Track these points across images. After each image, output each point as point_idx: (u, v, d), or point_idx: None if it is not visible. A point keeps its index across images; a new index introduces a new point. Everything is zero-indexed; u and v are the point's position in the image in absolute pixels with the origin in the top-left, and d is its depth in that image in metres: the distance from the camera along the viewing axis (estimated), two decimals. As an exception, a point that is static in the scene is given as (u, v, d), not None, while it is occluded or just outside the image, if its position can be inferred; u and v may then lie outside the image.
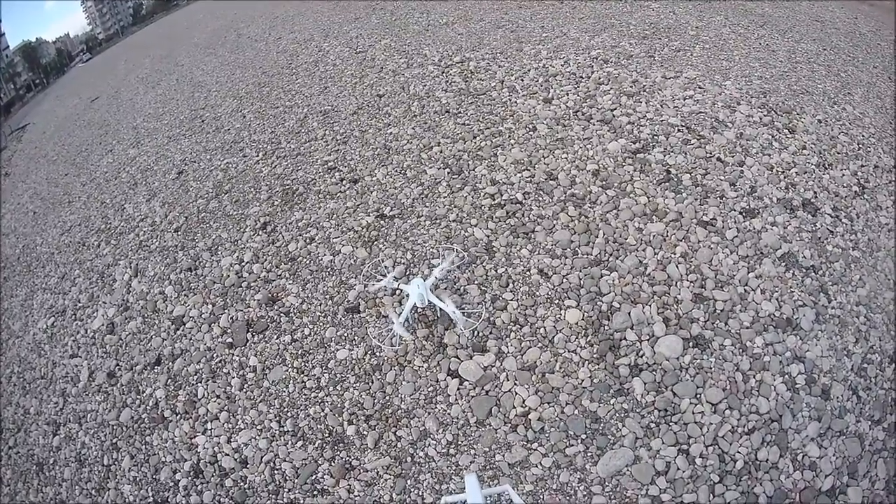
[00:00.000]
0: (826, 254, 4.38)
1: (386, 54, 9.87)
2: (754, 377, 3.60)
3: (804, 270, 4.20)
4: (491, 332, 4.00)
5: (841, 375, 3.67)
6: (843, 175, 5.26)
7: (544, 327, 3.97)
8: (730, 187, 4.91)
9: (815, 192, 4.96)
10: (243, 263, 5.44)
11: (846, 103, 6.74)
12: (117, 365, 5.16)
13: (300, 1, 21.30)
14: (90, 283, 6.58)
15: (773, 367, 3.63)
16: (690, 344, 3.74)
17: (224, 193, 6.82)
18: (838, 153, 5.59)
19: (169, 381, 4.71)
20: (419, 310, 4.11)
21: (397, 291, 4.41)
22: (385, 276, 4.40)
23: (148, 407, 4.64)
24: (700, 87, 6.69)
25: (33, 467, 4.88)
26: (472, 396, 3.74)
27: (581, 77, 7.18)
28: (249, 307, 4.92)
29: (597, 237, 4.54)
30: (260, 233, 5.75)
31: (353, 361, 4.11)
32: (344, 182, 6.02)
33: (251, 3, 28.10)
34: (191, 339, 4.95)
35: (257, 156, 7.43)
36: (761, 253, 4.30)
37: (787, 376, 3.61)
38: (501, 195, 5.17)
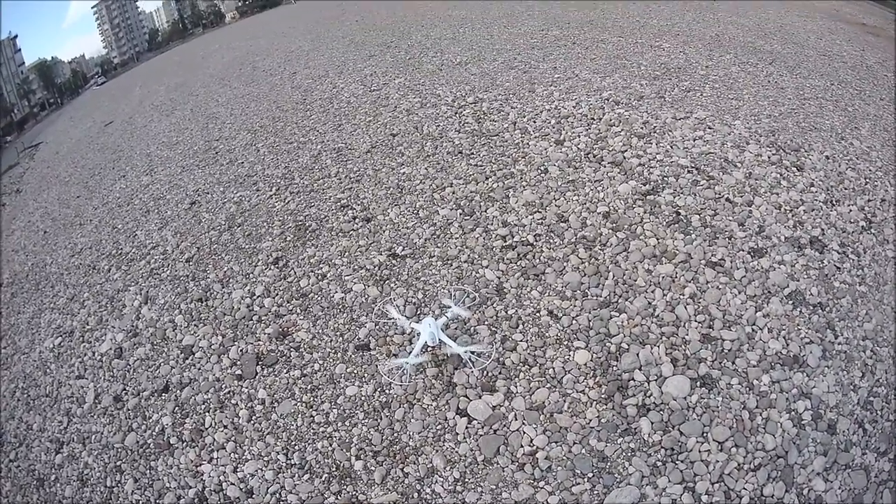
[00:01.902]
0: (833, 290, 4.53)
1: (400, 93, 10.19)
2: (761, 415, 3.71)
3: (811, 308, 4.35)
4: (500, 373, 4.13)
5: (847, 410, 3.79)
6: (851, 211, 5.47)
7: (553, 368, 4.11)
8: (738, 227, 5.10)
9: (822, 229, 5.15)
10: (254, 297, 5.60)
11: (853, 138, 6.99)
12: (124, 389, 5.28)
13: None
14: (99, 307, 6.73)
15: (779, 404, 3.75)
16: (698, 383, 3.87)
17: (237, 226, 7.02)
18: (846, 189, 5.81)
19: (176, 408, 4.82)
20: (430, 349, 4.27)
21: (408, 331, 4.56)
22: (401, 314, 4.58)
23: (154, 433, 4.75)
24: (710, 128, 6.95)
25: (34, 482, 4.95)
26: (481, 435, 3.86)
27: (592, 119, 7.45)
28: (259, 340, 5.06)
29: (606, 279, 4.70)
30: (272, 267, 5.92)
31: (363, 398, 4.24)
32: (357, 220, 6.23)
33: (267, 38, 28.86)
34: (200, 368, 5.08)
35: (271, 190, 7.64)
36: (769, 292, 4.45)
37: (793, 413, 3.72)
38: (513, 237, 5.36)
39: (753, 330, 4.16)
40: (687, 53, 10.73)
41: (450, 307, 4.40)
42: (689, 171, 5.92)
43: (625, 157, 6.33)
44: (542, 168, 6.38)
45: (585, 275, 4.78)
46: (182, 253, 6.98)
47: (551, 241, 5.22)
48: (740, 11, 16.80)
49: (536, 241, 5.25)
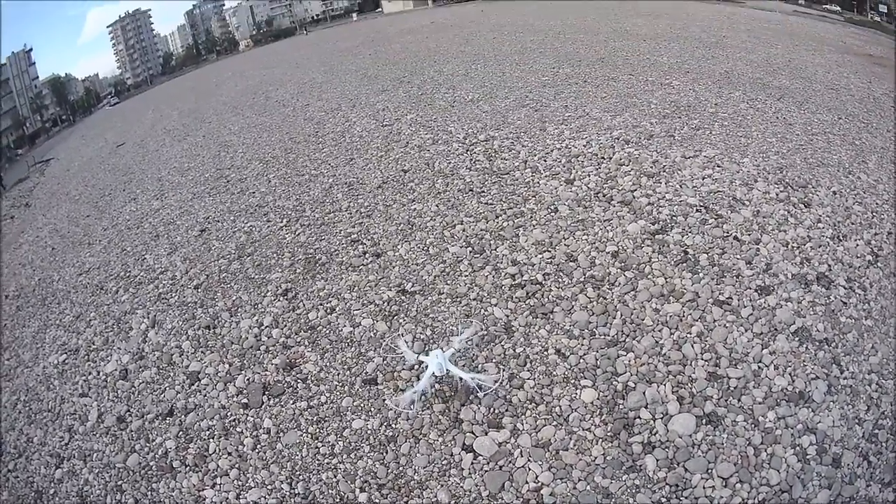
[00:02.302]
0: (839, 325, 4.61)
1: (412, 129, 10.44)
2: (766, 450, 3.76)
3: (817, 343, 4.43)
4: (507, 410, 4.21)
5: (852, 443, 3.84)
6: (857, 245, 5.59)
7: (560, 406, 4.19)
8: (746, 266, 5.21)
9: (829, 265, 5.26)
10: (262, 327, 5.71)
11: (860, 171, 7.17)
12: (128, 411, 5.34)
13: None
14: (105, 328, 6.83)
15: (784, 439, 3.80)
16: (703, 421, 3.94)
17: (246, 256, 7.16)
18: (852, 223, 5.95)
19: (180, 433, 4.88)
20: (438, 380, 4.40)
21: (417, 366, 4.68)
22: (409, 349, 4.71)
23: (157, 455, 4.80)
24: (718, 166, 7.12)
25: (31, 494, 4.99)
26: (486, 471, 3.93)
27: (603, 158, 7.63)
28: (267, 371, 5.16)
29: (614, 318, 4.80)
30: (281, 299, 6.03)
31: (369, 431, 4.32)
32: (367, 255, 6.36)
33: (280, 68, 29.43)
34: (205, 395, 5.16)
35: (281, 222, 7.81)
36: (775, 329, 4.54)
37: (798, 448, 3.78)
38: (522, 275, 5.48)
39: (760, 367, 4.24)
40: (696, 91, 11.02)
41: (455, 336, 4.54)
42: (697, 210, 6.08)
43: (634, 197, 6.49)
44: (551, 207, 6.53)
45: (593, 314, 4.88)
46: (191, 279, 7.10)
47: (560, 280, 5.34)
48: (749, 47, 17.38)
49: (545, 280, 5.37)
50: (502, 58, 17.38)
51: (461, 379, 4.24)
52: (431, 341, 4.91)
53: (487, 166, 7.98)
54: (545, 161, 7.83)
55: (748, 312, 4.69)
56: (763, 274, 5.11)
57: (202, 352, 5.68)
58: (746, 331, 4.53)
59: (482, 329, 4.90)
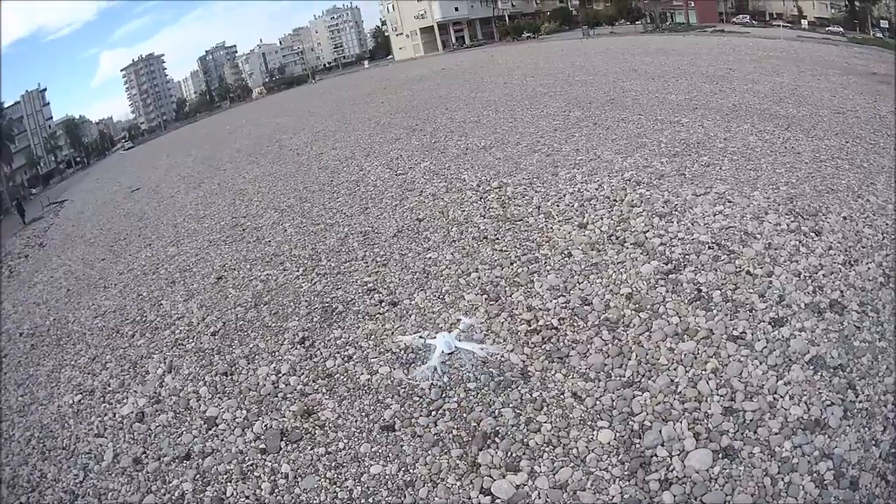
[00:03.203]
0: (853, 350, 4.71)
1: (426, 177, 10.79)
2: (783, 479, 3.84)
3: (832, 370, 4.52)
4: (524, 453, 4.33)
5: (869, 465, 3.89)
6: (869, 269, 5.74)
7: (577, 448, 4.29)
8: (759, 299, 5.35)
9: (841, 291, 5.39)
10: (280, 374, 5.88)
11: (870, 194, 7.41)
12: (144, 453, 5.47)
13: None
14: (122, 371, 7.05)
15: (801, 467, 3.88)
16: (720, 455, 4.02)
17: (263, 304, 7.39)
18: (863, 247, 6.12)
19: (197, 476, 5.00)
20: (448, 358, 4.85)
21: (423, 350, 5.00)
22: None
23: (173, 497, 4.90)
24: (729, 201, 7.37)
25: None
26: (504, 513, 4.03)
27: (615, 200, 7.91)
28: (284, 417, 5.30)
29: (629, 359, 4.94)
30: (298, 347, 6.23)
31: (387, 477, 4.43)
32: (383, 304, 6.56)
33: (294, 116, 30.16)
34: (223, 440, 5.30)
35: (298, 271, 8.07)
36: (790, 360, 4.65)
37: (815, 474, 3.84)
38: (537, 321, 5.64)
39: (775, 398, 4.34)
40: (706, 127, 11.38)
41: (460, 320, 4.71)
42: (709, 248, 6.27)
43: (647, 238, 6.71)
44: (565, 252, 6.74)
45: (609, 356, 5.02)
46: (207, 326, 7.32)
47: (575, 324, 5.49)
48: (755, 78, 18.07)
49: (561, 324, 5.53)
50: (513, 103, 17.92)
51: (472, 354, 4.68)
52: (449, 388, 5.05)
53: (501, 213, 8.24)
54: (558, 206, 8.09)
55: (762, 345, 4.81)
56: (776, 306, 5.25)
57: (219, 397, 5.84)
58: (761, 363, 4.64)
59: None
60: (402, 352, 5.61)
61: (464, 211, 8.60)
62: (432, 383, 4.86)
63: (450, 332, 4.64)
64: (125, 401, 6.35)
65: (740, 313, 5.20)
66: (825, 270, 5.70)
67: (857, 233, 6.43)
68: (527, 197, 8.64)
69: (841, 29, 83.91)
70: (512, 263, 6.74)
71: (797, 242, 6.23)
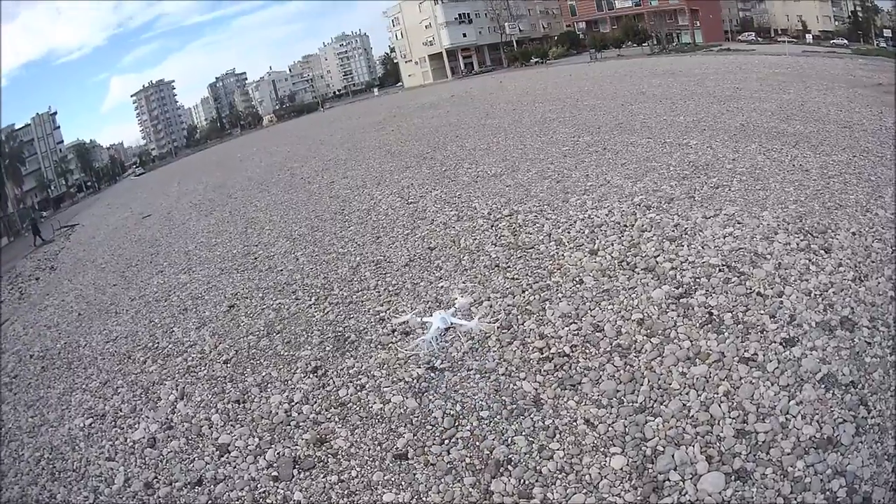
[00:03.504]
0: (865, 366, 4.73)
1: (437, 206, 10.95)
2: (795, 499, 3.86)
3: (844, 387, 4.55)
4: (537, 481, 4.37)
5: (882, 479, 3.91)
6: (879, 283, 5.79)
7: (590, 474, 4.33)
8: (770, 320, 5.40)
9: (852, 308, 5.44)
10: (293, 403, 5.96)
11: (878, 207, 7.52)
12: (156, 478, 5.54)
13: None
14: (133, 396, 7.16)
15: (814, 486, 3.90)
16: (732, 477, 4.05)
17: (276, 333, 7.49)
18: (873, 262, 6.19)
19: (209, 502, 5.06)
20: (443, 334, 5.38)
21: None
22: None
23: (185, 522, 4.98)
24: (739, 223, 7.47)
25: None
26: (517, 540, 4.06)
27: (625, 226, 8.03)
28: (297, 445, 5.37)
29: (642, 385, 4.99)
30: (311, 376, 6.30)
31: (400, 505, 4.51)
32: (396, 333, 6.63)
33: (305, 144, 30.57)
34: (235, 467, 5.36)
35: (310, 300, 8.17)
36: (801, 379, 4.68)
37: (828, 492, 3.86)
38: (549, 348, 5.70)
39: (787, 419, 4.37)
40: (714, 148, 11.55)
41: (456, 299, 4.85)
42: (720, 270, 6.35)
43: (657, 262, 6.80)
44: (577, 279, 6.82)
45: (621, 382, 5.07)
46: (220, 354, 7.43)
47: (587, 350, 5.55)
48: (762, 96, 18.38)
49: (573, 351, 5.59)
50: (523, 129, 18.21)
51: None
52: (462, 416, 5.11)
53: (512, 241, 8.35)
54: (569, 233, 8.21)
55: (774, 366, 4.85)
56: (787, 326, 5.30)
57: (232, 425, 5.92)
58: (773, 384, 4.69)
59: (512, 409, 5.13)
60: (415, 381, 5.68)
61: (475, 239, 8.71)
62: (430, 356, 5.36)
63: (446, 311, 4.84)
64: (137, 426, 6.45)
65: (751, 335, 5.26)
66: (835, 288, 5.78)
67: (866, 248, 6.53)
68: (538, 224, 8.76)
69: (845, 41, 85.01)
70: (524, 291, 6.82)
71: (807, 261, 6.32)
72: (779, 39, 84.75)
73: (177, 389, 6.92)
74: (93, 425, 6.81)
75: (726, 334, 5.33)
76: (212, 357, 7.43)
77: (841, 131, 12.27)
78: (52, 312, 13.19)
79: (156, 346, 8.45)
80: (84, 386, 8.01)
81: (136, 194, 45.40)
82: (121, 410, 6.92)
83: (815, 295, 5.69)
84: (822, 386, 4.61)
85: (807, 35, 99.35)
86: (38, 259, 25.56)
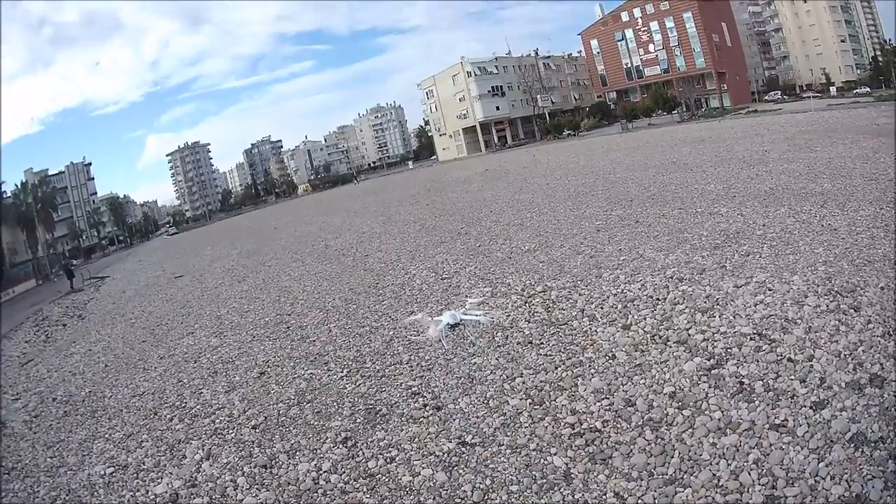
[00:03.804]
0: (893, 421, 4.66)
1: (471, 282, 11.11)
2: None
3: (872, 444, 4.49)
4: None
5: None
6: None
7: None
8: (800, 384, 5.39)
9: (881, 364, 5.40)
10: (321, 472, 5.99)
11: None
12: (179, 532, 5.58)
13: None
14: (158, 451, 7.28)
15: None
16: None
17: (306, 402, 7.58)
18: None
19: (231, 561, 5.11)
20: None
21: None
22: None
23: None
24: (769, 289, 7.52)
25: None
26: None
27: (658, 299, 8.11)
28: (324, 513, 5.40)
29: (672, 457, 4.96)
30: (340, 446, 6.34)
31: (429, 574, 4.49)
32: (427, 408, 6.69)
33: (339, 216, 31.29)
34: (259, 530, 5.38)
35: (342, 371, 8.27)
36: (831, 440, 4.63)
37: None
38: (581, 424, 5.70)
39: (816, 481, 4.32)
40: (744, 215, 11.74)
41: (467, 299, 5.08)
42: (751, 339, 6.36)
43: (689, 335, 6.83)
44: (609, 354, 6.85)
45: (651, 455, 5.05)
46: (248, 419, 7.51)
47: (619, 425, 5.54)
48: (790, 157, 18.93)
49: (604, 426, 5.58)
50: (556, 204, 18.59)
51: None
52: (491, 490, 5.09)
53: (546, 317, 8.42)
54: (602, 308, 8.28)
55: (804, 430, 4.82)
56: (818, 389, 5.28)
57: (257, 489, 5.95)
58: (802, 448, 4.65)
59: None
60: (446, 455, 5.71)
61: (509, 316, 8.76)
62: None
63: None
64: (160, 480, 6.54)
65: (782, 401, 5.25)
66: (864, 346, 5.77)
67: (894, 301, 6.53)
68: (571, 300, 8.86)
69: (867, 89, 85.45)
70: (556, 368, 6.87)
71: (837, 322, 6.33)
72: (804, 95, 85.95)
73: (203, 449, 7.00)
74: (114, 474, 6.94)
75: (757, 402, 5.33)
76: (240, 421, 7.51)
77: (867, 185, 12.55)
78: (79, 360, 13.58)
79: (183, 405, 8.59)
80: (107, 435, 8.18)
81: (169, 253, 46.70)
82: (144, 463, 7.03)
83: (845, 355, 5.70)
84: (852, 445, 4.58)
85: (831, 88, 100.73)
86: (66, 306, 26.36)
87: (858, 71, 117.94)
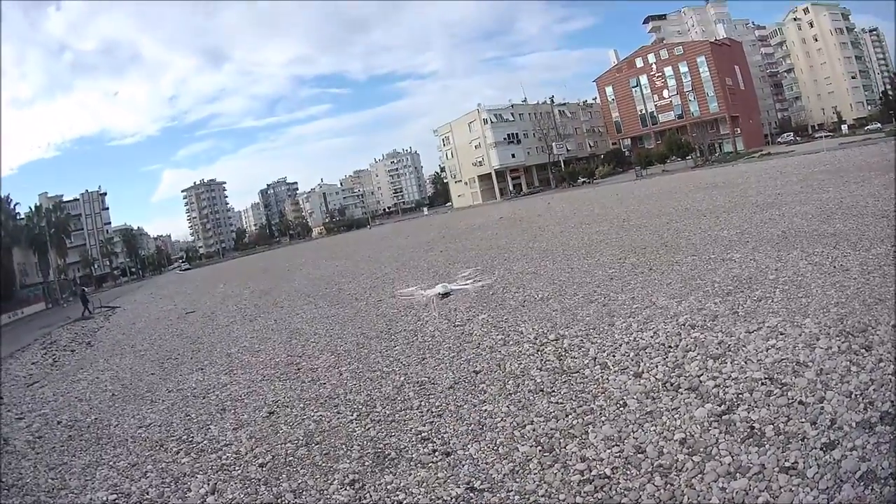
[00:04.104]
0: None
1: (483, 330, 11.14)
2: None
3: (882, 481, 4.45)
4: None
5: None
6: None
7: None
8: (811, 427, 5.34)
9: (892, 402, 5.36)
10: (328, 513, 5.98)
11: None
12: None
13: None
14: (162, 483, 7.30)
15: None
16: None
17: (314, 444, 7.57)
18: None
19: None
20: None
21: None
22: None
23: None
24: (781, 333, 7.51)
25: None
26: None
27: (670, 347, 8.09)
28: (330, 553, 5.40)
29: (681, 502, 4.92)
30: (347, 488, 6.33)
31: None
32: (436, 453, 6.67)
33: (353, 260, 31.57)
34: (262, 564, 5.38)
35: (351, 415, 8.27)
36: (841, 480, 4.58)
37: None
38: (590, 471, 5.66)
39: None
40: (757, 260, 11.81)
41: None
42: (762, 384, 6.34)
43: (701, 382, 6.81)
44: (620, 402, 6.84)
45: (661, 501, 5.01)
46: (256, 457, 7.51)
47: (628, 472, 5.50)
48: (802, 199, 19.11)
49: (614, 473, 5.54)
50: (570, 252, 18.72)
51: None
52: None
53: (558, 365, 8.43)
54: (614, 356, 8.28)
55: (814, 472, 4.78)
56: (828, 430, 5.25)
57: (262, 526, 5.92)
58: (812, 489, 4.61)
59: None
60: (454, 500, 5.69)
61: (521, 364, 8.81)
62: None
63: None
64: (164, 511, 6.56)
65: (792, 444, 5.22)
66: (875, 385, 5.76)
67: None
68: (583, 349, 8.86)
69: (878, 125, 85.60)
70: (567, 415, 6.85)
71: (848, 362, 6.32)
72: (816, 136, 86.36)
73: (208, 484, 7.00)
74: (117, 500, 6.98)
75: (767, 446, 5.30)
76: (247, 458, 7.51)
77: (878, 223, 12.70)
78: (86, 387, 13.77)
79: (190, 439, 8.62)
80: (111, 463, 8.24)
81: (181, 288, 47.12)
82: (148, 493, 7.06)
83: (856, 395, 5.68)
84: (862, 483, 4.55)
85: (842, 126, 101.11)
86: (75, 332, 26.63)
87: (869, 107, 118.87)
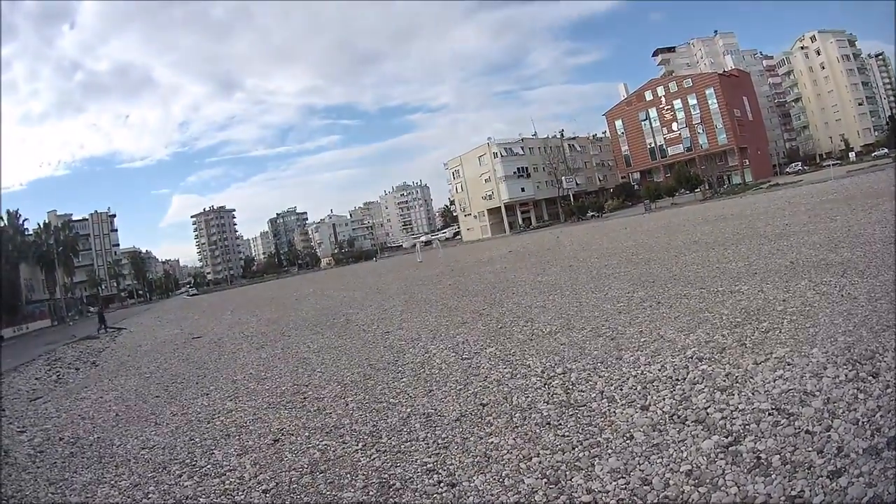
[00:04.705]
0: None
1: (491, 363, 11.14)
2: None
3: None
4: None
5: None
6: None
7: None
8: (818, 455, 5.31)
9: None
10: (330, 540, 5.99)
11: None
12: (183, 581, 5.60)
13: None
14: None
15: None
16: None
17: (319, 473, 7.54)
18: None
19: None
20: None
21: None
22: None
23: None
24: (789, 364, 7.51)
25: None
26: None
27: (677, 380, 8.08)
28: (330, 582, 5.39)
29: None
30: (352, 517, 6.32)
31: None
32: (441, 485, 6.65)
33: (361, 291, 31.68)
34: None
35: (357, 445, 8.24)
36: None
37: None
38: (596, 502, 5.63)
39: None
40: (765, 291, 11.86)
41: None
42: (769, 414, 6.32)
43: (708, 414, 6.79)
44: (627, 435, 6.81)
45: None
46: (259, 483, 7.50)
47: (634, 503, 5.48)
48: (810, 229, 19.29)
49: None
50: (578, 286, 18.74)
51: None
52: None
53: (565, 399, 8.42)
54: (621, 390, 8.27)
55: (820, 499, 4.75)
56: (835, 458, 5.22)
57: (264, 552, 5.91)
58: None
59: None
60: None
61: (528, 397, 8.79)
62: None
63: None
64: (164, 533, 6.56)
65: (799, 473, 5.20)
66: (882, 411, 5.75)
67: None
68: (590, 382, 8.86)
69: (885, 150, 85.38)
70: (573, 448, 6.83)
71: (855, 390, 6.32)
72: (824, 164, 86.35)
73: (211, 508, 7.01)
74: None
75: (773, 476, 5.27)
76: (251, 485, 7.49)
77: (886, 249, 12.82)
78: (89, 405, 13.81)
79: (194, 463, 8.62)
80: (113, 482, 8.24)
81: (188, 313, 47.26)
82: (149, 515, 7.07)
83: (863, 423, 5.67)
84: None
85: (850, 153, 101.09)
86: (80, 350, 26.74)
87: (876, 132, 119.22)
